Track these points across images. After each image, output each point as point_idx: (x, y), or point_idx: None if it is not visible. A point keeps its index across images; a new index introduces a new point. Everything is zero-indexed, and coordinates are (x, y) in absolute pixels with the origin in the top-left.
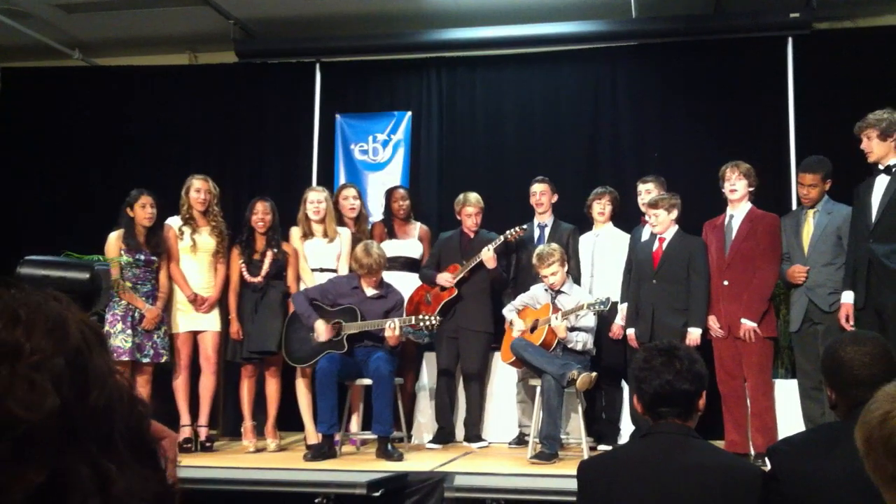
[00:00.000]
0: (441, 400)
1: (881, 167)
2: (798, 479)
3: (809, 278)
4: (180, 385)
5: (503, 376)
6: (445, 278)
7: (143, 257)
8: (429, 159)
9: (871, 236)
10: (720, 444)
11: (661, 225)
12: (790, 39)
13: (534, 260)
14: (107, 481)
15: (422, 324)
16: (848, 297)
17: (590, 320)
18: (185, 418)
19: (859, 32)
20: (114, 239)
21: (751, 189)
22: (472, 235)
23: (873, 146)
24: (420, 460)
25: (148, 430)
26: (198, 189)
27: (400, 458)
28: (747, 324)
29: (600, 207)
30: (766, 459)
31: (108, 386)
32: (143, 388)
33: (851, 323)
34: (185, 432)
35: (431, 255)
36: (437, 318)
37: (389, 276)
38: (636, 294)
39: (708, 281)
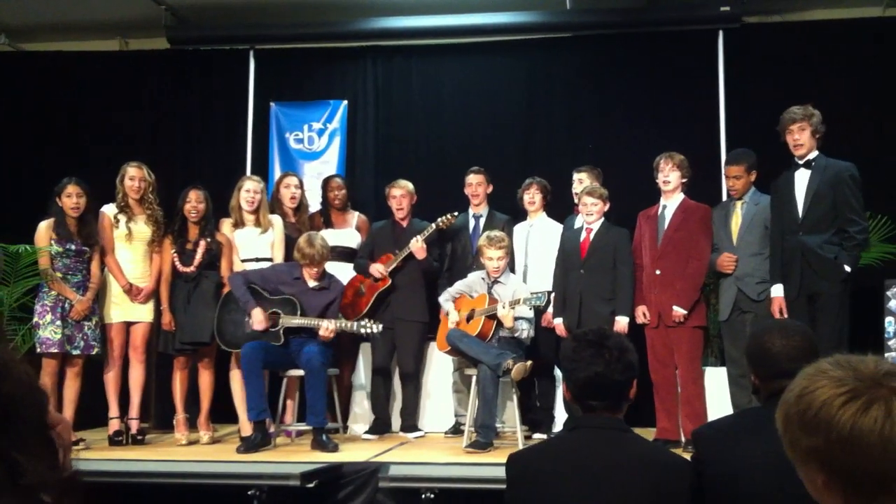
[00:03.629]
0: (377, 391)
1: (800, 161)
2: (721, 463)
3: (738, 268)
4: (111, 377)
5: (439, 366)
6: (377, 269)
7: (73, 247)
8: (365, 148)
9: (801, 229)
10: (651, 431)
11: (597, 214)
12: (721, 33)
13: (482, 240)
14: (16, 473)
15: (363, 330)
16: (778, 291)
17: (527, 310)
18: (113, 410)
19: (788, 27)
20: (44, 228)
21: (684, 180)
22: (404, 224)
23: (806, 139)
24: (356, 451)
25: (47, 418)
26: (132, 177)
27: (335, 448)
28: (678, 311)
29: (529, 197)
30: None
31: (12, 376)
32: (73, 380)
33: (785, 315)
34: (115, 425)
35: (365, 245)
36: (379, 326)
37: (327, 266)
38: (564, 283)
39: (633, 270)
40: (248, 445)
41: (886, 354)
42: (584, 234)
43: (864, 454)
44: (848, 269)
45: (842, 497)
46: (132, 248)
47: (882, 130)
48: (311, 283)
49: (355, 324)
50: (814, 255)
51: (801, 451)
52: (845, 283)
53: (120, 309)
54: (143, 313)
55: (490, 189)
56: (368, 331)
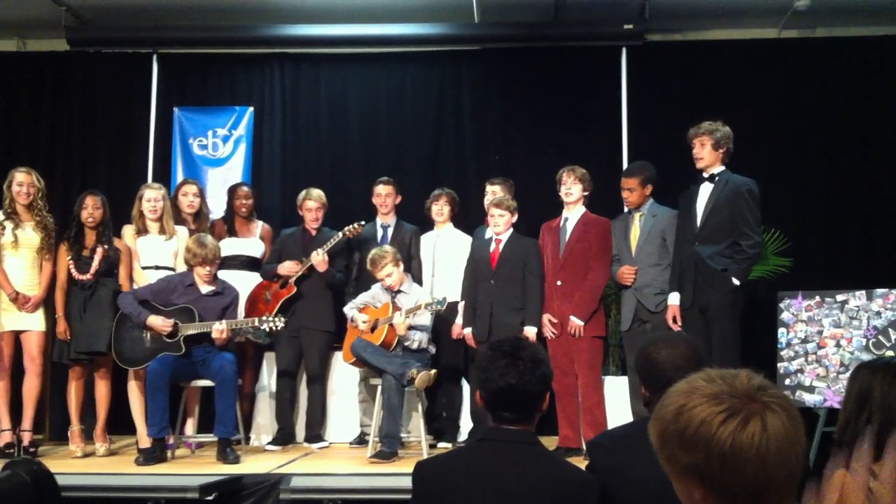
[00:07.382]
0: (281, 400)
1: (705, 175)
2: (614, 472)
3: (637, 279)
4: (2, 388)
5: (344, 376)
6: (287, 266)
7: None
8: (271, 156)
9: (697, 239)
10: (553, 439)
11: (504, 225)
12: (624, 49)
13: (368, 265)
14: None
15: (265, 326)
16: (674, 299)
17: (425, 319)
18: (5, 422)
19: (689, 45)
20: None
21: (585, 193)
22: (313, 233)
23: (705, 153)
24: (258, 462)
25: None
26: (20, 182)
27: (236, 460)
28: (575, 321)
29: (438, 208)
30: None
31: None
32: None
33: (679, 323)
34: (6, 437)
35: (273, 252)
36: (282, 319)
37: (229, 275)
38: (474, 293)
39: (542, 281)
40: (147, 457)
41: (779, 364)
42: (493, 245)
43: (743, 469)
44: (736, 281)
45: None
46: (19, 256)
47: (778, 146)
48: (205, 290)
49: (257, 320)
50: (704, 265)
51: (680, 467)
52: (734, 295)
53: (9, 317)
54: (34, 322)
55: (398, 200)
56: (271, 326)
